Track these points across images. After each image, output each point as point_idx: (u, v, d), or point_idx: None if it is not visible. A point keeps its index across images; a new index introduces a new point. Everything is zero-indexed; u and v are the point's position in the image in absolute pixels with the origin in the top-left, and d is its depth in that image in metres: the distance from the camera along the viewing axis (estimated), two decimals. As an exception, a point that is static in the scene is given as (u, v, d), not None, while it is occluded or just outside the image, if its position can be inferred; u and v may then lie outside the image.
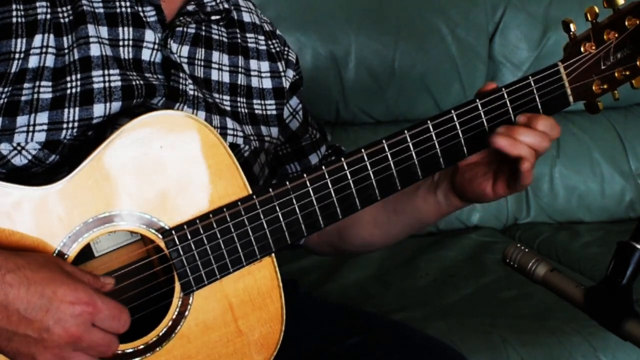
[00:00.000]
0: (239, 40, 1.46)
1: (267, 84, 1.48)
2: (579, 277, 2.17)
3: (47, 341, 1.06)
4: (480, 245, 2.45)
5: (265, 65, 1.48)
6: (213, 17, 1.41)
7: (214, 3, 1.41)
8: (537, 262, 1.17)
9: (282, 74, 1.50)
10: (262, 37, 1.50)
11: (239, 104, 1.44)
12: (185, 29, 1.37)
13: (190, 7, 1.37)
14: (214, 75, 1.41)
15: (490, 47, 2.63)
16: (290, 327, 1.28)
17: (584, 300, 1.12)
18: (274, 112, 1.48)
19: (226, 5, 1.43)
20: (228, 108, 1.41)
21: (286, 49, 1.53)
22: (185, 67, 1.36)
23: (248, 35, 1.48)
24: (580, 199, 2.66)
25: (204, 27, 1.41)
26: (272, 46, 1.50)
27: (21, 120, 1.21)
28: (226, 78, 1.43)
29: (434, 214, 1.42)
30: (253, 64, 1.47)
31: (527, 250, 1.19)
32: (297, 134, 1.53)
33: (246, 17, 1.49)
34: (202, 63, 1.39)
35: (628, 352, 1.90)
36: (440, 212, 1.42)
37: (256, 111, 1.45)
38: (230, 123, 1.39)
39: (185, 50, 1.37)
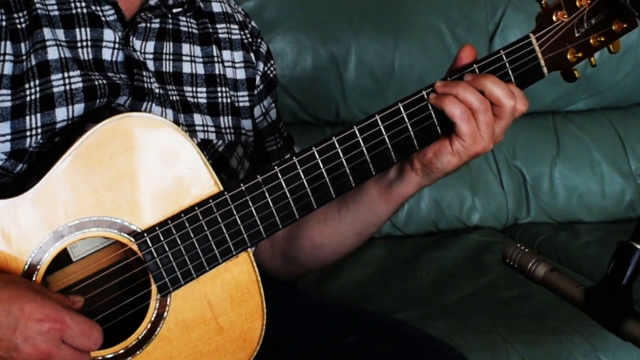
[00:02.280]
0: (210, 31, 1.44)
1: (241, 74, 1.46)
2: (579, 277, 2.17)
3: (16, 359, 1.05)
4: (480, 245, 2.44)
5: (238, 55, 1.47)
6: (174, 10, 1.38)
7: None
8: (537, 262, 1.17)
9: (254, 64, 1.48)
10: (235, 27, 1.48)
11: (219, 94, 1.42)
12: (148, 25, 1.35)
13: (152, 2, 1.36)
14: (186, 68, 1.39)
15: (490, 47, 2.62)
16: (288, 325, 1.28)
17: (584, 300, 1.12)
18: (247, 104, 1.46)
19: None
20: (203, 100, 1.40)
21: (258, 40, 1.51)
22: (151, 63, 1.35)
23: (219, 26, 1.46)
24: (580, 199, 2.66)
25: (170, 21, 1.39)
26: (244, 36, 1.49)
27: None
28: (201, 69, 1.41)
29: (386, 198, 1.34)
30: (226, 54, 1.45)
31: (527, 250, 1.19)
32: (262, 134, 1.50)
33: (216, 8, 1.47)
34: (171, 57, 1.38)
35: (628, 352, 1.90)
36: (393, 194, 1.33)
37: (233, 103, 1.45)
38: (198, 119, 1.37)
39: (150, 46, 1.35)
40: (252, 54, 1.49)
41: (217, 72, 1.43)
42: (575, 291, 1.14)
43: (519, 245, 1.20)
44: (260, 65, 1.50)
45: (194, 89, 1.39)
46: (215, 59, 1.43)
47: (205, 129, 1.38)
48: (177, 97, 1.36)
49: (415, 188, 1.32)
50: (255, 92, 1.48)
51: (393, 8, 2.52)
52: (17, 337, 1.04)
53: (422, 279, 2.23)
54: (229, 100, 1.43)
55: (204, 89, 1.41)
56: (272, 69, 1.52)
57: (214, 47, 1.44)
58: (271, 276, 1.47)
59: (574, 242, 2.48)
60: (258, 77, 1.49)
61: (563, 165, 2.65)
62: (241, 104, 1.45)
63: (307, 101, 2.47)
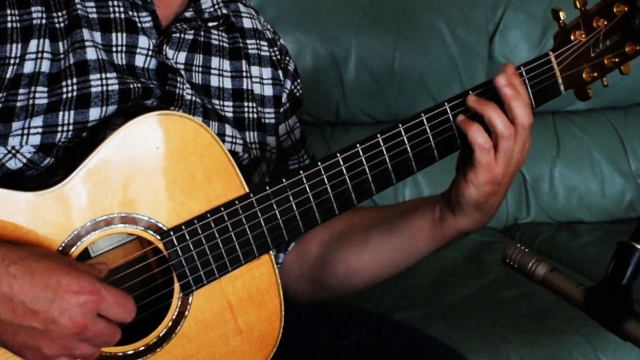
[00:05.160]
0: (241, 45, 1.44)
1: (269, 91, 1.46)
2: (579, 277, 2.16)
3: (53, 332, 1.06)
4: (480, 245, 2.44)
5: (267, 72, 1.47)
6: (210, 24, 1.39)
7: (212, 9, 1.39)
8: (537, 262, 1.17)
9: (282, 82, 1.48)
10: (265, 43, 1.48)
11: (246, 109, 1.42)
12: (182, 35, 1.35)
13: (188, 14, 1.36)
14: (214, 81, 1.39)
15: (490, 47, 2.63)
16: (288, 326, 1.28)
17: (584, 300, 1.12)
18: (273, 121, 1.46)
19: (224, 11, 1.41)
20: (230, 114, 1.40)
21: (287, 58, 1.51)
22: (182, 73, 1.35)
23: (249, 41, 1.46)
24: (580, 199, 2.66)
25: (202, 33, 1.39)
26: (273, 53, 1.49)
27: (16, 125, 1.20)
28: (228, 84, 1.41)
29: (429, 234, 1.35)
30: (254, 70, 1.45)
31: (527, 250, 1.19)
32: (286, 153, 1.50)
33: (247, 23, 1.47)
34: (200, 69, 1.38)
35: (628, 352, 1.90)
36: (436, 231, 1.34)
37: (260, 118, 1.44)
38: (229, 130, 1.37)
39: (182, 56, 1.36)
40: (280, 72, 1.48)
41: (245, 87, 1.43)
42: (575, 291, 1.14)
43: (519, 245, 1.20)
44: (288, 83, 1.49)
45: (221, 102, 1.39)
46: (244, 74, 1.43)
47: (234, 140, 1.38)
48: (210, 106, 1.37)
49: (456, 231, 1.33)
50: (282, 110, 1.48)
51: (393, 8, 2.53)
52: (54, 310, 1.05)
53: (422, 279, 2.23)
54: (255, 115, 1.43)
55: (231, 103, 1.41)
56: (298, 87, 1.52)
57: (243, 61, 1.44)
58: (291, 297, 1.44)
59: (574, 242, 2.49)
60: (285, 95, 1.48)
61: (563, 165, 2.66)
62: (267, 121, 1.45)
63: (307, 101, 2.45)
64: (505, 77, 1.23)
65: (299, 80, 1.52)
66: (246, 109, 1.42)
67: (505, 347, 1.87)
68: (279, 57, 1.49)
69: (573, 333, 1.91)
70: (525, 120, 1.23)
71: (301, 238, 1.44)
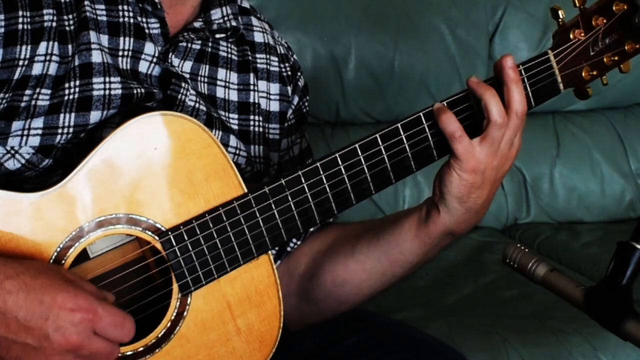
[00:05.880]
0: (250, 59, 1.43)
1: (275, 107, 1.45)
2: (579, 277, 2.17)
3: (47, 349, 1.04)
4: (480, 245, 2.45)
5: (275, 88, 1.45)
6: (217, 35, 1.38)
7: (221, 21, 1.38)
8: (537, 262, 1.17)
9: (289, 99, 1.47)
10: (275, 59, 1.46)
11: (252, 122, 1.41)
12: (189, 45, 1.34)
13: (197, 24, 1.35)
14: (220, 92, 1.38)
15: (490, 47, 2.63)
16: (288, 327, 1.28)
17: (584, 300, 1.12)
18: (277, 137, 1.45)
19: (234, 23, 1.39)
20: (235, 127, 1.39)
21: (297, 74, 1.49)
22: (188, 81, 1.34)
23: (258, 55, 1.44)
24: (580, 199, 2.66)
25: (210, 44, 1.38)
26: (283, 69, 1.47)
27: (16, 125, 1.20)
28: (234, 96, 1.40)
29: (414, 233, 1.31)
30: (262, 85, 1.43)
31: (527, 250, 1.19)
32: (282, 168, 1.47)
33: (258, 38, 1.45)
34: (206, 80, 1.37)
35: (628, 352, 1.90)
36: (421, 231, 1.31)
37: (265, 133, 1.44)
38: (233, 141, 1.36)
39: (187, 65, 1.35)
40: (289, 88, 1.47)
41: (251, 100, 1.42)
42: (575, 291, 1.14)
43: (519, 245, 1.20)
44: (295, 99, 1.48)
45: (227, 114, 1.38)
46: (252, 87, 1.42)
47: (237, 152, 1.37)
48: (216, 115, 1.36)
49: (441, 229, 1.29)
50: (286, 125, 1.46)
51: (393, 8, 2.53)
52: (48, 327, 1.04)
53: (422, 279, 2.23)
54: (261, 129, 1.42)
55: (236, 116, 1.40)
56: (306, 104, 1.50)
57: (251, 75, 1.42)
58: None
59: (574, 242, 2.49)
60: (290, 111, 1.47)
61: (563, 165, 2.66)
62: (271, 136, 1.44)
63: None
64: (511, 59, 1.23)
65: (307, 97, 1.51)
66: (252, 122, 1.41)
67: (505, 347, 1.87)
68: (289, 73, 1.48)
69: (573, 333, 1.91)
70: (519, 107, 1.23)
71: (290, 254, 1.43)
